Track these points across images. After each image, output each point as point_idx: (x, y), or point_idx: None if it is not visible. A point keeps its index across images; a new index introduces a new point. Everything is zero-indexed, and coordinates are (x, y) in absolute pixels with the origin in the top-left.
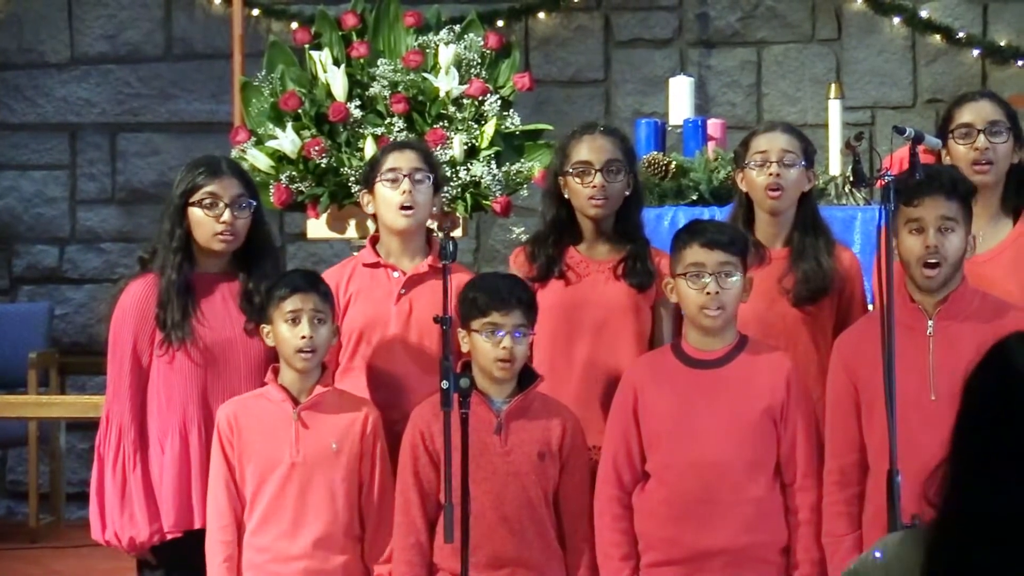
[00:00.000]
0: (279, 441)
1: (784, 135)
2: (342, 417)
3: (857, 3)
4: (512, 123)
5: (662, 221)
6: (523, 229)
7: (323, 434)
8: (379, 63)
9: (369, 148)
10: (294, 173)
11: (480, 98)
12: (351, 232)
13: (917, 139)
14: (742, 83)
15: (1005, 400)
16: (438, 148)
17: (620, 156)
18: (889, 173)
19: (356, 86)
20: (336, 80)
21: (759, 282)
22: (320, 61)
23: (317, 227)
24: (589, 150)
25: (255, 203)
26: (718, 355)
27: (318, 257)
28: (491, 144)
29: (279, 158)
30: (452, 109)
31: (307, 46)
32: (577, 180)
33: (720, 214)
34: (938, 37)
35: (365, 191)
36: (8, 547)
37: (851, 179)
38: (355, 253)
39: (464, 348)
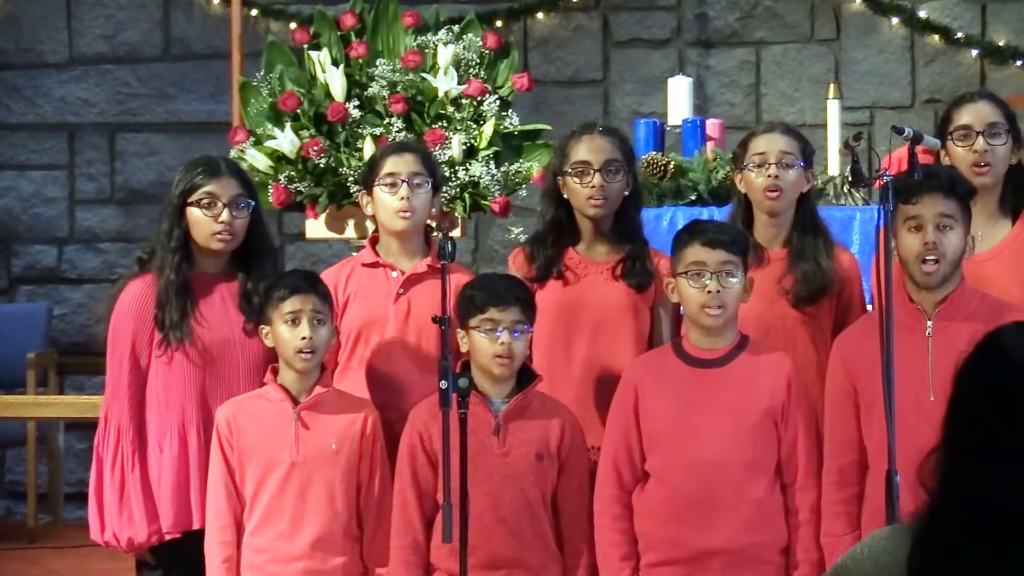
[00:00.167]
0: (279, 441)
1: (783, 136)
2: (342, 417)
3: (856, 3)
4: (511, 123)
5: (661, 221)
6: (522, 229)
7: (323, 434)
8: (378, 63)
9: (368, 148)
10: (293, 173)
11: (479, 98)
12: (350, 232)
13: (916, 139)
14: (741, 83)
15: (999, 390)
16: (437, 148)
17: (619, 156)
18: (888, 173)
19: (355, 86)
20: (335, 80)
21: (758, 283)
22: (319, 61)
23: (316, 227)
24: (588, 150)
25: (253, 203)
26: (719, 354)
27: (317, 257)
28: (490, 144)
29: (278, 158)
30: (451, 109)
31: (306, 46)
32: (576, 180)
33: (719, 214)
34: (937, 37)
35: (364, 192)
36: (7, 547)
37: (850, 179)
38: (354, 253)
39: (463, 348)
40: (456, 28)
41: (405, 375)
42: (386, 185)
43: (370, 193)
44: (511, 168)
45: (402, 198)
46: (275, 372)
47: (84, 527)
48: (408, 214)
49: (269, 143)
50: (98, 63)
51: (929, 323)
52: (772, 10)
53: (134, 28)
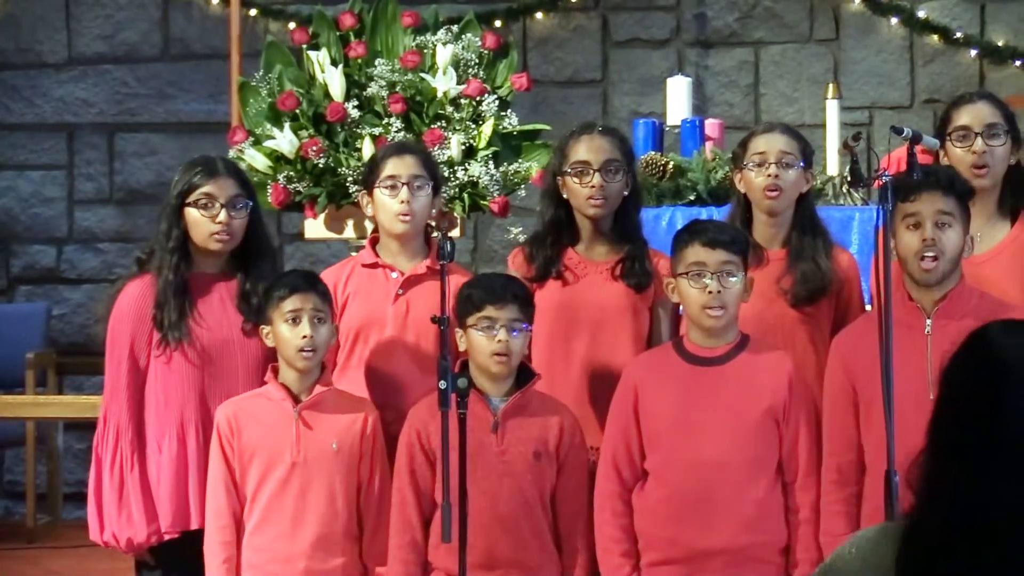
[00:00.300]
0: (280, 440)
1: (783, 136)
2: (342, 417)
3: (855, 3)
4: (510, 123)
5: (660, 221)
6: (521, 229)
7: (324, 434)
8: (377, 63)
9: (367, 148)
10: (292, 173)
11: (478, 98)
12: (349, 232)
13: (915, 139)
14: (740, 83)
15: (985, 390)
16: (436, 148)
17: (618, 156)
18: (886, 173)
19: (354, 86)
20: (334, 80)
21: (757, 283)
22: (318, 61)
23: (315, 227)
24: (587, 150)
25: (252, 203)
26: (720, 353)
27: (316, 257)
28: (489, 144)
29: (277, 158)
30: (450, 109)
31: (305, 46)
32: (575, 180)
33: (718, 214)
34: (936, 37)
35: (364, 193)
36: (6, 547)
37: (849, 179)
38: (353, 253)
39: (461, 347)
40: (455, 28)
41: (404, 375)
42: (386, 187)
43: (370, 194)
44: (510, 168)
45: (402, 201)
46: (275, 371)
47: (83, 527)
48: (408, 218)
49: (268, 143)
50: (97, 63)
51: (928, 321)
52: (771, 10)
53: (133, 28)
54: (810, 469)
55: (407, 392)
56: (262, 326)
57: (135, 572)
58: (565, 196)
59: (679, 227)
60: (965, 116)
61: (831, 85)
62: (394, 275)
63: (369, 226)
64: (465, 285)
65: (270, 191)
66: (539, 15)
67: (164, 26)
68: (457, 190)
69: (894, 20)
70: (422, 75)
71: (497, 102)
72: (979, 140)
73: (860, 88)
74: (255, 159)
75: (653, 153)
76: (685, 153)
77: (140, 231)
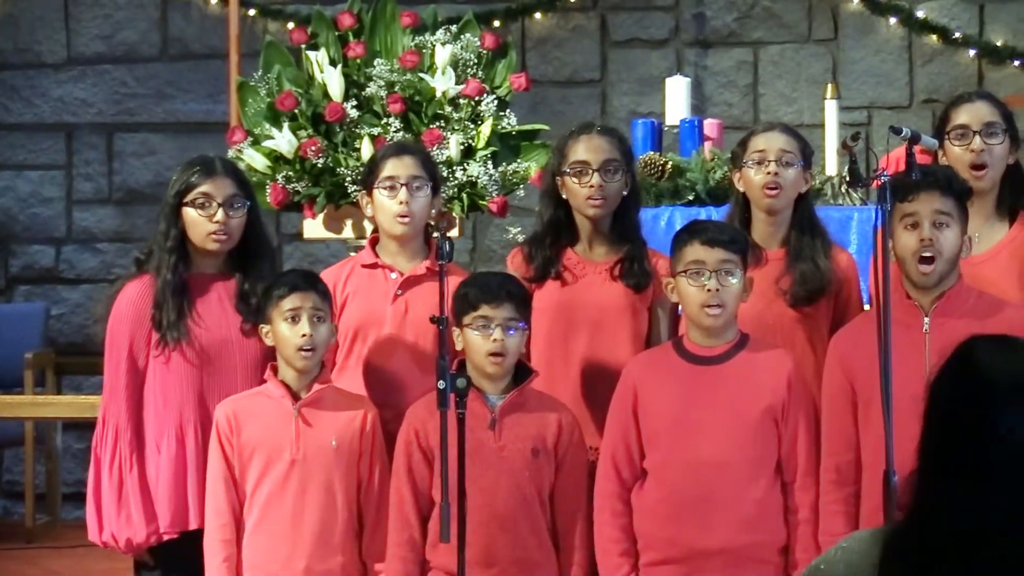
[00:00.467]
0: (279, 438)
1: (782, 135)
2: (342, 415)
3: (853, 3)
4: (508, 123)
5: (658, 221)
6: (519, 229)
7: (323, 431)
8: (375, 63)
9: (366, 148)
10: (290, 173)
11: (476, 98)
12: (348, 232)
13: (913, 139)
14: (738, 83)
15: (972, 408)
16: (434, 148)
17: (618, 156)
18: (885, 173)
19: (352, 86)
20: (332, 80)
21: (756, 283)
22: (316, 61)
23: (313, 227)
24: (586, 150)
25: (250, 203)
26: (719, 352)
27: (314, 257)
28: (487, 144)
29: (275, 158)
30: (448, 109)
31: (303, 46)
32: (575, 180)
33: (716, 214)
34: (934, 37)
35: (363, 193)
36: (5, 547)
37: (847, 179)
38: (352, 253)
39: (458, 346)
40: (454, 28)
41: (402, 375)
42: (385, 188)
43: (369, 195)
44: (509, 168)
45: (401, 202)
46: (275, 370)
47: (82, 527)
48: (407, 218)
49: (267, 143)
50: (96, 63)
51: (926, 320)
52: (770, 10)
53: (132, 28)
54: (809, 469)
55: (406, 391)
56: (261, 325)
57: (134, 572)
58: (564, 196)
59: (678, 227)
60: (964, 115)
61: (830, 85)
62: (393, 275)
63: (368, 226)
64: (461, 284)
65: (269, 191)
66: (538, 15)
67: (163, 26)
68: (456, 190)
69: (893, 20)
70: (421, 75)
71: (496, 102)
72: (977, 138)
73: (859, 88)
74: (254, 159)
75: (652, 153)
76: (684, 153)
77: (139, 231)
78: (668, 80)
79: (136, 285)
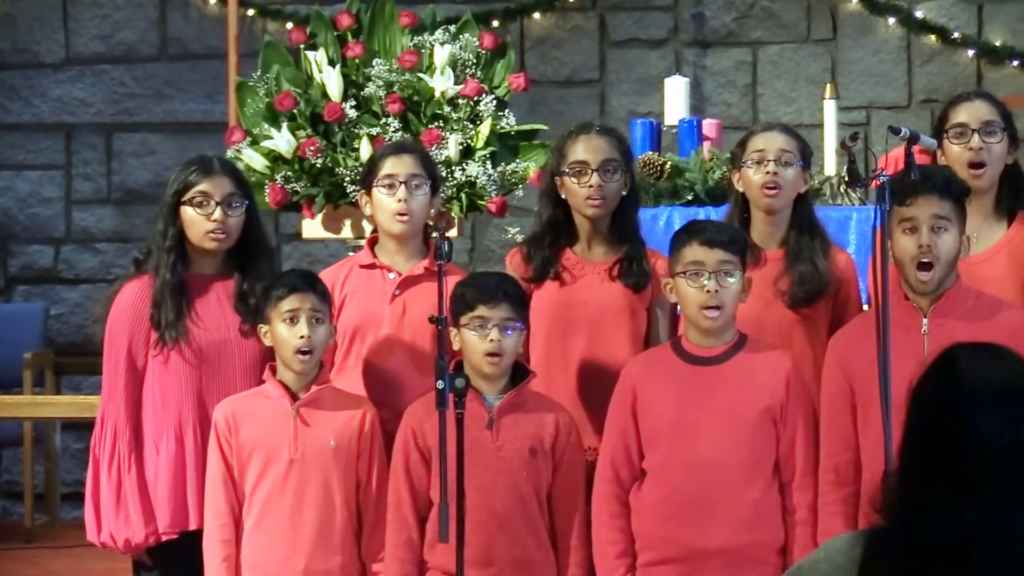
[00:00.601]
0: (278, 438)
1: (782, 135)
2: (340, 414)
3: (852, 3)
4: (507, 123)
5: (657, 221)
6: (518, 229)
7: (322, 431)
8: (374, 63)
9: (364, 148)
10: (289, 173)
11: (475, 98)
12: (346, 232)
13: (912, 139)
14: (737, 83)
15: (952, 415)
16: (433, 148)
17: (617, 156)
18: (884, 173)
19: (351, 86)
20: (331, 80)
21: (755, 284)
22: (315, 61)
23: (312, 227)
24: (585, 150)
25: (248, 202)
26: (718, 352)
27: (313, 257)
28: (486, 144)
29: (274, 158)
30: (447, 109)
31: (302, 46)
32: (574, 180)
33: (715, 214)
34: (933, 37)
35: (363, 192)
36: (3, 547)
37: (846, 179)
38: (351, 253)
39: (456, 346)
40: (452, 28)
41: (401, 375)
42: (384, 186)
43: (368, 194)
44: (508, 168)
45: (400, 200)
46: (273, 370)
47: (81, 527)
48: (406, 217)
49: (265, 143)
50: (95, 63)
51: (925, 321)
52: (768, 10)
53: (130, 28)
54: (807, 469)
55: (404, 392)
56: (260, 325)
57: (133, 573)
58: (563, 196)
59: (677, 227)
60: (962, 114)
61: (828, 85)
62: (391, 276)
63: (367, 226)
64: (458, 284)
65: (267, 191)
66: (537, 15)
67: (162, 26)
68: (455, 190)
69: (891, 20)
70: (420, 75)
71: (495, 102)
72: (976, 137)
73: (857, 88)
74: (252, 159)
75: (651, 153)
76: (683, 153)
77: (138, 231)
78: (667, 80)
79: (135, 285)
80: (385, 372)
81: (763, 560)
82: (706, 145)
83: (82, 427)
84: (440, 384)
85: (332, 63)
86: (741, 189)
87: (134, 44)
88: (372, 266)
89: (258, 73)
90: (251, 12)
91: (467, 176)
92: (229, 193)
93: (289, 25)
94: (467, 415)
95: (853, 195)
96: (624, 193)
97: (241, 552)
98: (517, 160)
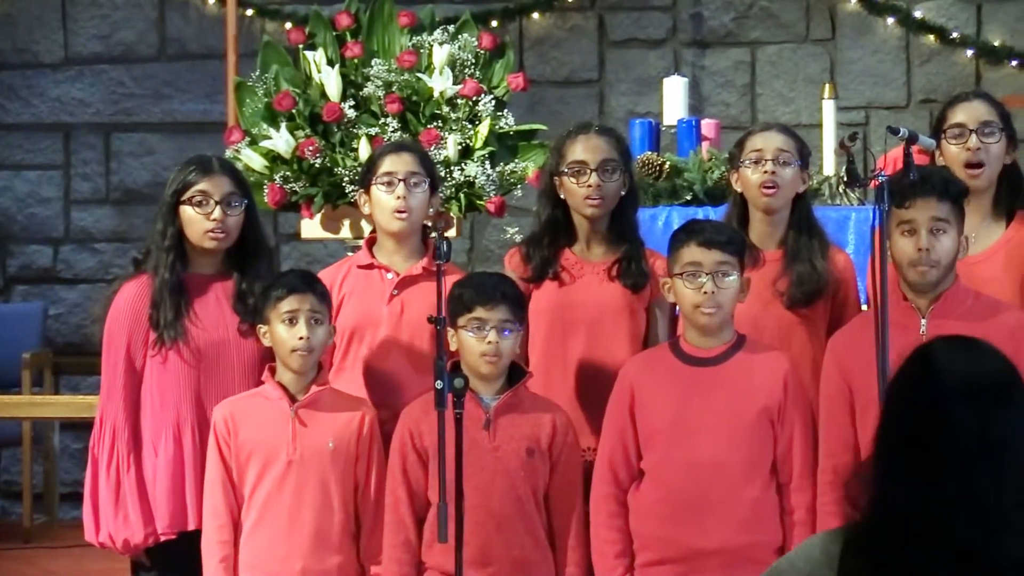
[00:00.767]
0: (276, 439)
1: (780, 135)
2: (339, 416)
3: (851, 3)
4: (506, 123)
5: (656, 221)
6: (517, 229)
7: (320, 432)
8: (373, 63)
9: (363, 148)
10: (288, 173)
11: (474, 98)
12: (345, 232)
13: (911, 139)
14: (736, 83)
15: (929, 407)
16: (432, 148)
17: (616, 156)
18: (883, 173)
19: (350, 86)
20: (330, 80)
21: (753, 285)
22: (314, 61)
23: (311, 227)
24: (584, 150)
25: (247, 201)
26: (716, 353)
27: (312, 257)
28: (485, 144)
29: (273, 158)
30: (446, 109)
31: (301, 46)
32: (572, 180)
33: (714, 214)
34: (932, 37)
35: (362, 191)
36: (2, 547)
37: (845, 179)
38: (349, 253)
39: (453, 346)
40: (451, 28)
41: (399, 375)
42: (383, 184)
43: (367, 192)
44: (506, 168)
45: (399, 197)
46: (272, 371)
47: (80, 527)
48: (405, 214)
49: (264, 143)
50: (93, 63)
51: (923, 321)
52: (767, 10)
53: (129, 28)
54: (805, 470)
55: (402, 392)
56: (259, 325)
57: (131, 573)
58: (562, 196)
59: (675, 227)
60: (960, 114)
61: (827, 85)
62: (389, 276)
63: (366, 227)
64: (456, 284)
65: (266, 191)
66: (535, 15)
67: (160, 26)
68: (453, 190)
69: (890, 20)
70: (418, 75)
71: (493, 102)
72: (974, 137)
73: (856, 88)
74: (251, 159)
75: (649, 153)
76: (681, 153)
77: (136, 231)
78: (666, 80)
79: (134, 285)
80: (383, 372)
81: (761, 560)
82: (705, 145)
83: (81, 427)
84: (439, 384)
85: (331, 63)
86: (739, 189)
87: (133, 44)
88: (370, 266)
89: (257, 73)
90: (250, 12)
91: (466, 176)
92: (228, 192)
93: (288, 25)
94: (464, 415)
95: (852, 195)
96: (623, 193)
97: (239, 553)
98: (516, 160)
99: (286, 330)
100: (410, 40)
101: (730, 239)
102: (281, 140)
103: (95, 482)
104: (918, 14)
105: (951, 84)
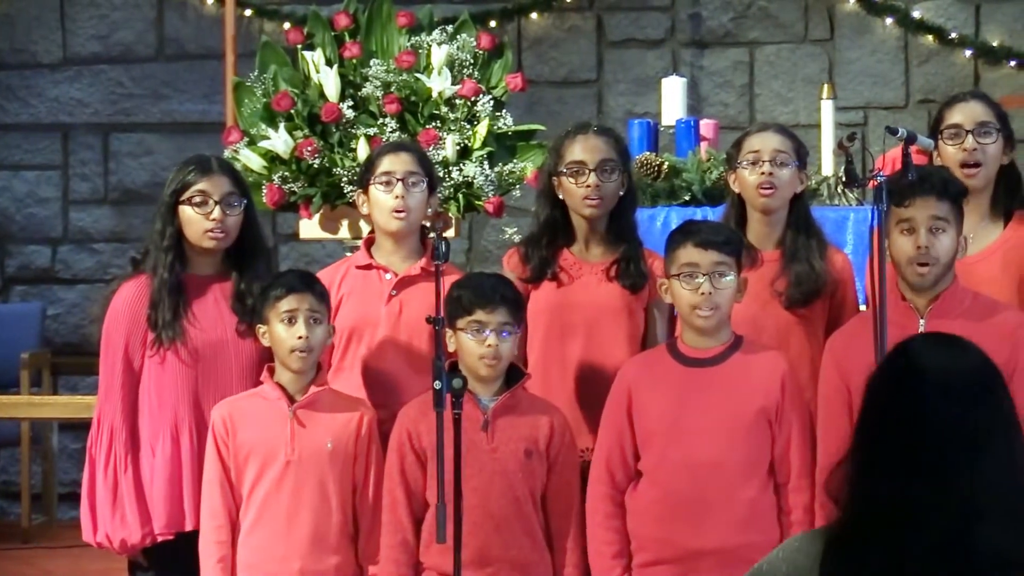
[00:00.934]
0: (275, 439)
1: (777, 135)
2: (338, 416)
3: (849, 3)
4: (504, 123)
5: (655, 222)
6: (515, 229)
7: (319, 433)
8: (372, 63)
9: (362, 149)
10: (287, 173)
11: (473, 98)
12: (344, 232)
13: (909, 140)
14: (735, 83)
15: (908, 404)
16: (430, 149)
17: (614, 156)
18: (881, 173)
19: (349, 86)
20: (329, 80)
21: (751, 284)
22: (313, 61)
23: (310, 227)
24: (583, 150)
25: (246, 201)
26: (713, 354)
27: (311, 257)
28: (483, 144)
29: (272, 158)
30: (444, 109)
31: (300, 46)
32: (571, 180)
33: (713, 214)
34: (930, 37)
35: (360, 191)
36: (1, 547)
37: (844, 179)
38: (348, 254)
39: (451, 347)
40: (450, 28)
41: (397, 376)
42: (382, 184)
43: (366, 192)
44: (505, 168)
45: (397, 197)
46: (271, 371)
47: (78, 527)
48: (403, 213)
49: (263, 143)
50: (92, 63)
51: (921, 321)
52: (766, 10)
53: (128, 28)
54: (803, 470)
55: (401, 392)
56: (259, 325)
57: (128, 573)
58: (560, 196)
59: (674, 227)
60: (957, 115)
61: (826, 85)
62: (388, 276)
63: (364, 227)
64: (454, 286)
65: (265, 191)
66: (534, 15)
67: (159, 26)
68: (452, 190)
69: (889, 20)
70: (417, 75)
71: (492, 102)
72: (970, 138)
73: (855, 88)
74: (250, 159)
75: (648, 153)
76: (680, 153)
77: (135, 231)
78: (664, 80)
79: (132, 285)
80: (382, 373)
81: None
82: (703, 145)
83: (79, 427)
84: (437, 384)
85: (329, 63)
86: (737, 190)
87: (131, 44)
88: (368, 267)
89: (255, 73)
90: (248, 12)
91: (464, 176)
92: (228, 192)
93: (286, 25)
94: (463, 416)
95: (850, 195)
96: (621, 193)
97: (237, 553)
98: (514, 160)
99: (285, 330)
100: (408, 40)
101: (727, 240)
102: (280, 140)
103: (92, 482)
104: (916, 14)
105: (950, 84)
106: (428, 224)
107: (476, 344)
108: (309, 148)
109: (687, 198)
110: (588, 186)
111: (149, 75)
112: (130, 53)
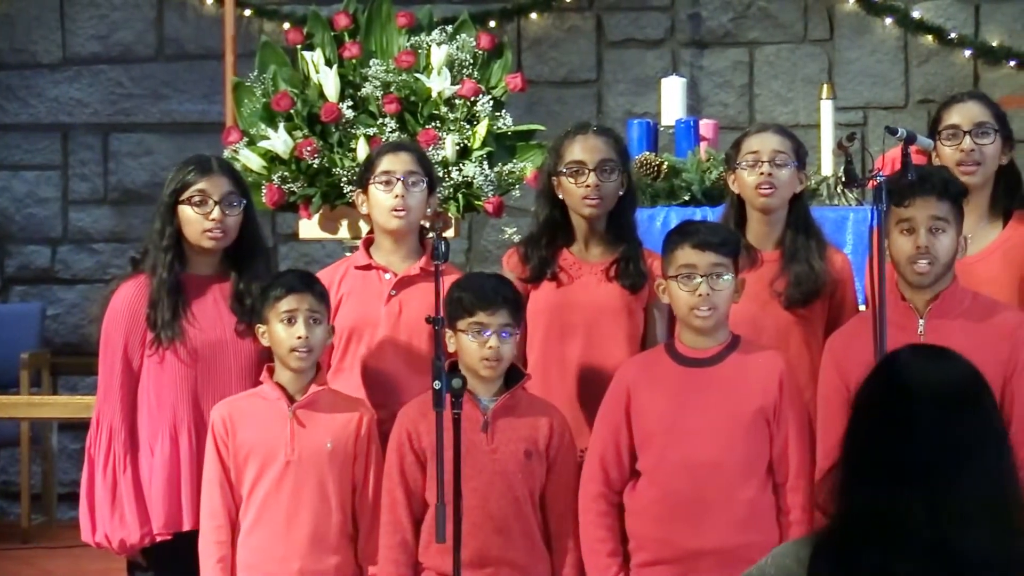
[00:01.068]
0: (274, 439)
1: (776, 136)
2: (337, 416)
3: (849, 3)
4: (504, 123)
5: (654, 222)
6: (515, 229)
7: (318, 433)
8: (371, 63)
9: (361, 149)
10: (286, 173)
11: (472, 98)
12: (343, 232)
13: (909, 140)
14: (734, 83)
15: (895, 414)
16: (430, 149)
17: (614, 156)
18: (881, 173)
19: (348, 86)
20: (328, 80)
21: (750, 285)
22: (312, 61)
23: (309, 227)
24: (583, 150)
25: (245, 201)
26: (711, 354)
27: (310, 257)
28: (483, 144)
29: (271, 158)
30: (444, 109)
31: (299, 46)
32: (571, 180)
33: (712, 214)
34: (930, 38)
35: (360, 191)
36: (0, 547)
37: (843, 179)
38: (348, 254)
39: (451, 348)
40: (449, 28)
41: (397, 376)
42: (381, 183)
43: (365, 192)
44: (504, 168)
45: (397, 196)
46: (271, 371)
47: (77, 527)
48: (403, 212)
49: (262, 143)
50: (92, 63)
51: (921, 321)
52: (765, 10)
53: (127, 28)
54: (802, 470)
55: (400, 393)
56: (258, 325)
57: (127, 573)
58: (560, 196)
59: (671, 228)
60: (955, 115)
61: (825, 85)
62: (387, 276)
63: (364, 227)
64: (455, 286)
65: (264, 191)
66: (533, 15)
67: (159, 26)
68: (452, 190)
69: (888, 20)
70: (416, 75)
71: (491, 102)
72: (967, 138)
73: (854, 88)
74: (249, 159)
75: (647, 153)
76: (679, 153)
77: (135, 231)
78: (664, 80)
79: (131, 285)
80: (381, 373)
81: (757, 561)
82: (703, 145)
83: (79, 427)
84: (437, 384)
85: (329, 63)
86: (736, 190)
87: (131, 44)
88: (368, 267)
89: (255, 73)
90: (248, 12)
91: (464, 176)
92: (227, 192)
93: (286, 25)
94: (462, 417)
95: (850, 195)
96: (621, 193)
97: (237, 553)
98: (514, 160)
99: (284, 329)
100: (408, 40)
101: (724, 240)
102: (279, 140)
103: (91, 482)
104: (916, 14)
105: (949, 84)
106: (428, 224)
107: (477, 345)
108: (309, 148)
109: (687, 198)
110: (588, 186)
111: (149, 75)
112: (130, 53)
